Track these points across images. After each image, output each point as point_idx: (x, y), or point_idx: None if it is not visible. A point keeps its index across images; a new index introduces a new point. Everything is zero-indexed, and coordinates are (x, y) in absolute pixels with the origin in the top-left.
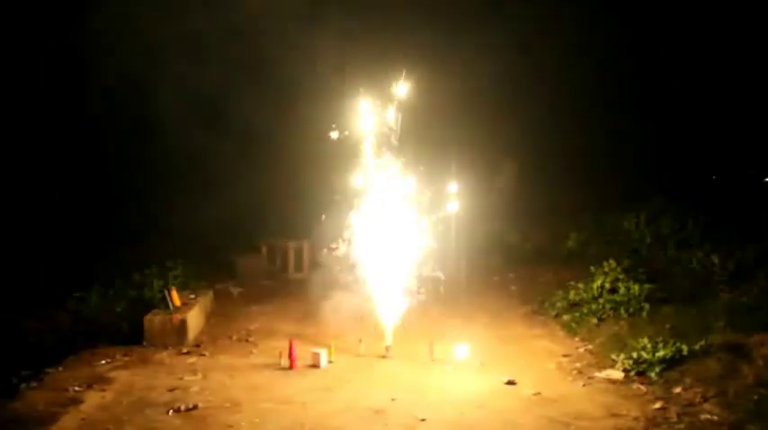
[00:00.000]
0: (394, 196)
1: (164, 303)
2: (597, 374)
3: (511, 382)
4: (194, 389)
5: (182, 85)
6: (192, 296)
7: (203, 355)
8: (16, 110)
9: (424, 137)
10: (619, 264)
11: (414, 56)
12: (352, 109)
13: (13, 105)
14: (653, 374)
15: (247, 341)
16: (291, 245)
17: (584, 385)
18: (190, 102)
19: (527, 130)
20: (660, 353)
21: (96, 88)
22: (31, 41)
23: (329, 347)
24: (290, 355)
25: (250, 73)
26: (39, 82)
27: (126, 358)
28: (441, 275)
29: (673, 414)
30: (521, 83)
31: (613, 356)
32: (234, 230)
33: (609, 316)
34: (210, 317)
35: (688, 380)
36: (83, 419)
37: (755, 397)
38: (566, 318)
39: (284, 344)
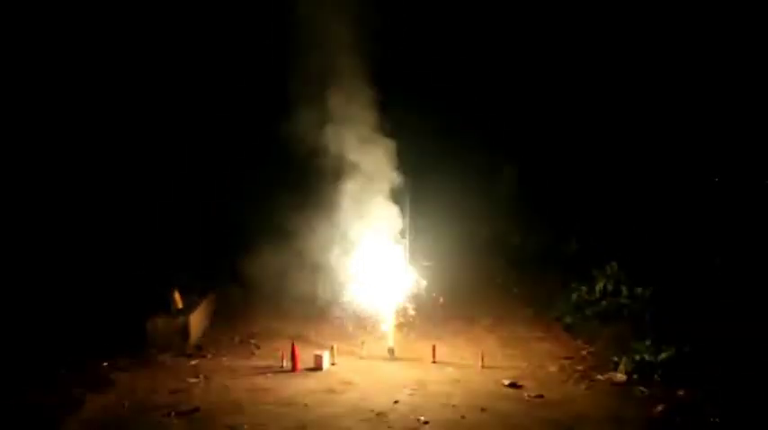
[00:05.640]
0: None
1: (167, 305)
2: (599, 377)
3: (513, 385)
4: (196, 391)
5: None
6: (195, 298)
7: (205, 357)
8: None
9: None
10: (621, 266)
11: None
12: None
13: None
14: (656, 377)
15: (250, 343)
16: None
17: (586, 388)
18: None
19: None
20: (663, 356)
21: None
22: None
23: (331, 349)
24: (294, 357)
25: None
26: None
27: (128, 360)
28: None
29: (675, 417)
30: None
31: (616, 358)
32: None
33: (611, 318)
34: (213, 318)
35: (691, 383)
36: (85, 421)
37: (757, 399)
38: (568, 320)
39: (286, 346)
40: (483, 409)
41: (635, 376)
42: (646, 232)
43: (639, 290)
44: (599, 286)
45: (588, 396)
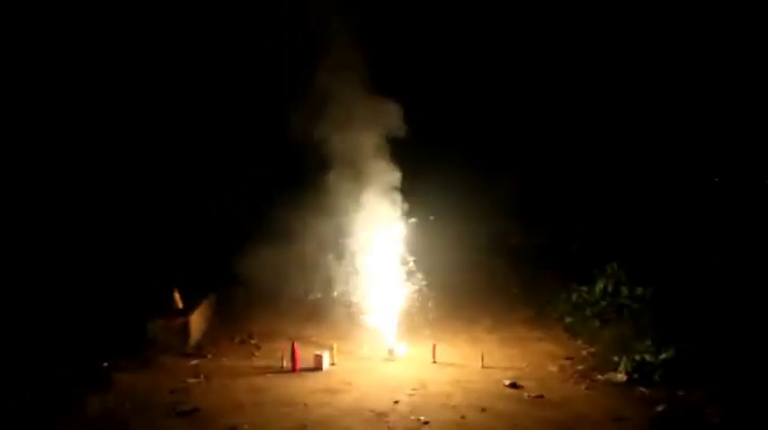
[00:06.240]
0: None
1: (167, 305)
2: (599, 377)
3: (513, 385)
4: (196, 391)
5: None
6: (195, 298)
7: (206, 358)
8: None
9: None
10: (621, 266)
11: None
12: None
13: None
14: (656, 377)
15: (250, 343)
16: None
17: (586, 388)
18: None
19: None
20: (663, 356)
21: None
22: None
23: (331, 349)
24: (294, 358)
25: None
26: None
27: (128, 360)
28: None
29: (676, 417)
30: None
31: (616, 359)
32: None
33: (612, 318)
34: (213, 319)
35: (691, 383)
36: (85, 421)
37: (758, 400)
38: (568, 320)
39: (286, 346)
40: (483, 409)
41: (635, 376)
42: (646, 232)
43: (639, 290)
44: (599, 286)
45: (588, 396)
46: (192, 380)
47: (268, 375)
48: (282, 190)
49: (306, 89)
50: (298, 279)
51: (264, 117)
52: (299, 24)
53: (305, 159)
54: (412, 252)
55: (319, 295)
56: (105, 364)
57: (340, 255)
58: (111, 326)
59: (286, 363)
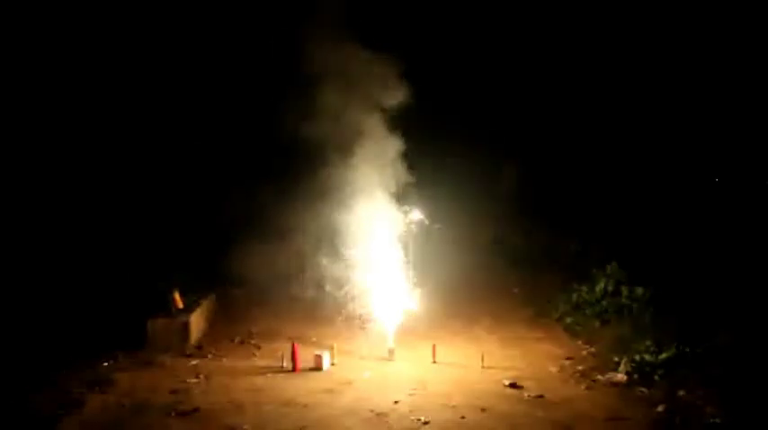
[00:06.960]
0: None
1: (167, 305)
2: (600, 377)
3: (513, 385)
4: (196, 391)
5: None
6: (195, 298)
7: (206, 358)
8: None
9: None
10: (621, 266)
11: None
12: None
13: None
14: (656, 377)
15: (250, 343)
16: None
17: (586, 388)
18: None
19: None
20: (663, 356)
21: None
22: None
23: (331, 350)
24: (294, 358)
25: None
26: None
27: (128, 360)
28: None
29: (676, 417)
30: None
31: (616, 359)
32: None
33: (612, 318)
34: (213, 319)
35: (691, 383)
36: (85, 421)
37: (758, 400)
38: (568, 320)
39: (286, 346)
40: (483, 409)
41: (635, 376)
42: (645, 232)
43: (639, 290)
44: (599, 286)
45: (588, 396)
46: (191, 380)
47: (268, 375)
48: (281, 189)
49: (304, 84)
50: (297, 278)
51: (263, 117)
52: (298, 23)
53: (303, 157)
54: (412, 252)
55: (318, 294)
56: (105, 364)
57: (339, 254)
58: (111, 327)
59: (286, 363)
